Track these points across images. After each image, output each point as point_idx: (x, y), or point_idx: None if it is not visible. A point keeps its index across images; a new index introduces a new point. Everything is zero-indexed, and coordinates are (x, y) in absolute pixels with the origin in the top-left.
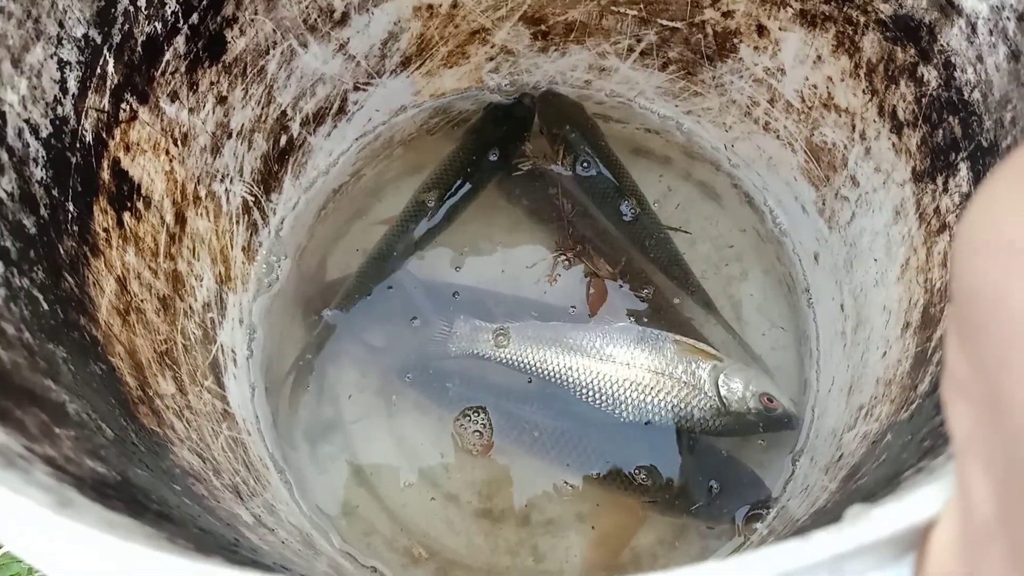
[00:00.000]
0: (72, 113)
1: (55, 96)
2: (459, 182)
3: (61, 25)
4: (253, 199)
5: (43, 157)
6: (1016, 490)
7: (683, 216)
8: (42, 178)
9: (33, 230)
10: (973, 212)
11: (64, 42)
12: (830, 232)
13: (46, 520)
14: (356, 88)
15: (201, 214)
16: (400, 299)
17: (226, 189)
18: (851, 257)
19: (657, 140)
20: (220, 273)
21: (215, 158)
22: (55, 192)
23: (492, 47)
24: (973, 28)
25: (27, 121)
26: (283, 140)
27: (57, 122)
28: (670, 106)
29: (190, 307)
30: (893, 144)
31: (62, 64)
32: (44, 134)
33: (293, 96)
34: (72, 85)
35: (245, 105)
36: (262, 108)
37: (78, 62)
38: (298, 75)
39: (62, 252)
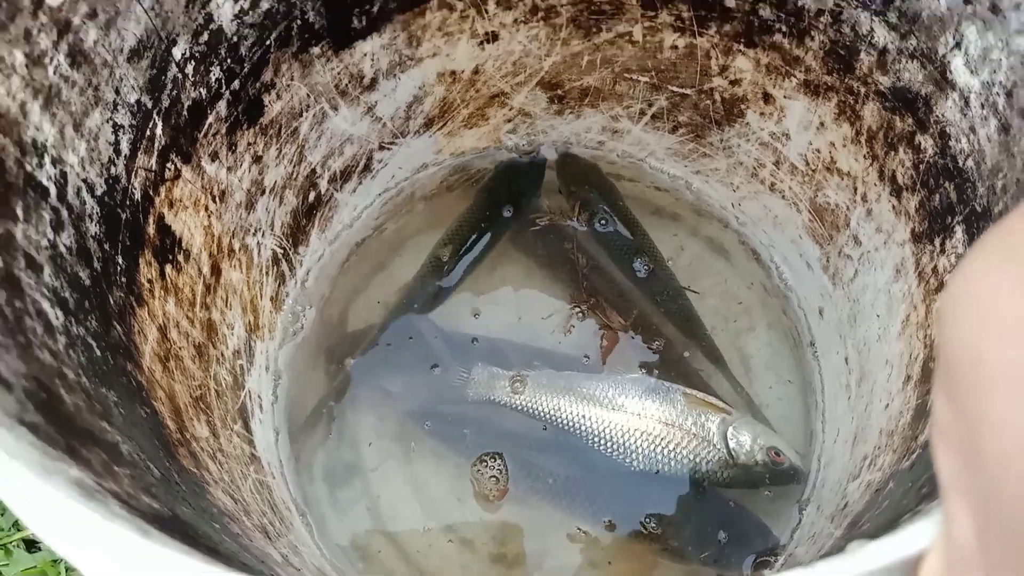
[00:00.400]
0: (123, 172)
1: (109, 157)
2: (473, 237)
3: (117, 92)
4: (282, 252)
5: (97, 213)
6: (990, 523)
7: (693, 272)
8: (96, 233)
9: (88, 282)
10: (955, 281)
11: (119, 107)
12: (834, 288)
13: (141, 547)
14: (381, 147)
15: (234, 266)
16: (420, 348)
17: (258, 242)
18: (855, 313)
19: (667, 198)
20: (250, 322)
21: (249, 213)
22: (107, 246)
23: (510, 110)
24: (966, 101)
25: (84, 180)
26: (312, 196)
27: (110, 181)
28: (680, 166)
29: (222, 354)
30: (893, 206)
31: (116, 128)
32: (99, 192)
33: (323, 155)
34: (124, 147)
35: (278, 164)
36: (294, 166)
37: (130, 125)
38: (328, 136)
39: (112, 302)
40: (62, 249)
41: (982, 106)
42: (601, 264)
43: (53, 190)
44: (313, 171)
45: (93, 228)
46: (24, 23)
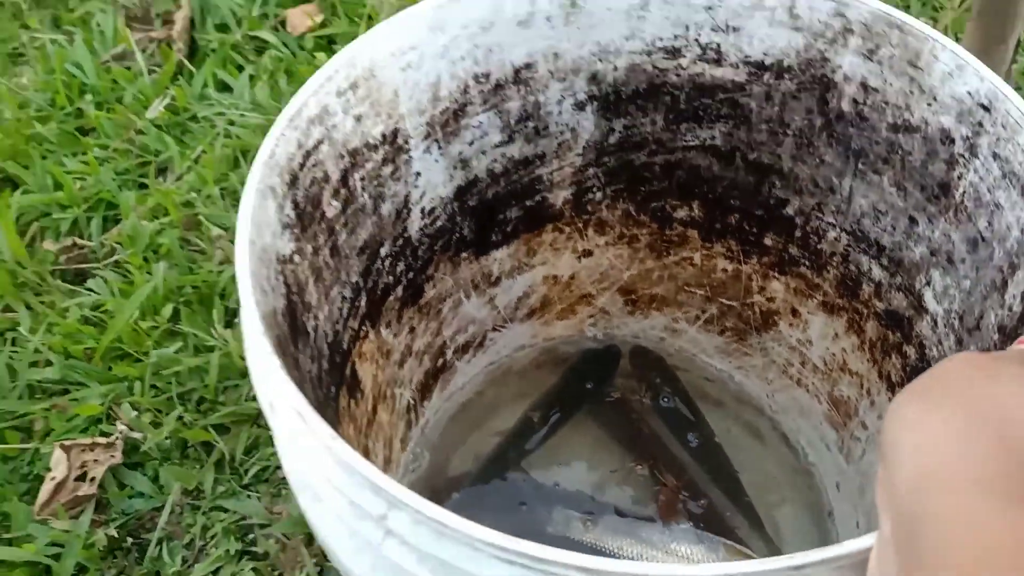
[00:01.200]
0: (341, 329)
1: (336, 317)
2: (558, 406)
3: (347, 274)
4: (413, 403)
5: (326, 356)
6: (898, 530)
7: (734, 451)
8: (325, 368)
9: (320, 400)
10: (890, 406)
11: (346, 285)
12: (848, 466)
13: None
14: (494, 329)
15: (384, 409)
16: (510, 489)
17: (400, 393)
18: (863, 485)
19: (715, 387)
20: (386, 455)
21: (399, 369)
22: (326, 378)
23: (593, 307)
24: (935, 323)
25: (323, 332)
26: (440, 362)
27: (334, 334)
28: (725, 362)
29: None
30: (889, 398)
31: (343, 298)
32: (328, 340)
33: (453, 331)
34: (345, 312)
35: (424, 334)
36: (433, 337)
37: (349, 297)
38: (460, 317)
39: (327, 417)
40: (312, 375)
41: (945, 326)
42: (661, 434)
43: (312, 336)
44: (444, 343)
45: (325, 364)
46: (315, 228)
